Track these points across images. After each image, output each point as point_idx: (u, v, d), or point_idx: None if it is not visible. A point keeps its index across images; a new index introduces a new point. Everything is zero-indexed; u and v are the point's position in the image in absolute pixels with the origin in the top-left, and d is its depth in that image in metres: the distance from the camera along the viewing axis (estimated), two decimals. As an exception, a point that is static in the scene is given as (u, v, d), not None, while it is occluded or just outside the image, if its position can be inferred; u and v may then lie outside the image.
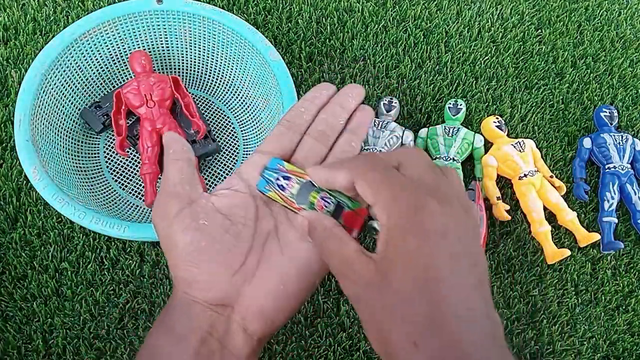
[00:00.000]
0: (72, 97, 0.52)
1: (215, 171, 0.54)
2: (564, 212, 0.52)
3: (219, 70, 0.56)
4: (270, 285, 0.30)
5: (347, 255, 0.28)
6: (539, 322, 0.50)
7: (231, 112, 0.56)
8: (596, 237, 0.51)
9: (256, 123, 0.55)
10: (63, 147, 0.50)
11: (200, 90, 0.57)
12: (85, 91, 0.53)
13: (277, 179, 0.32)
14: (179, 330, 0.29)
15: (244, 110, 0.56)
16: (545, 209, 0.53)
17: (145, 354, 0.29)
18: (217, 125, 0.56)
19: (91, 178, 0.51)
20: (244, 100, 0.56)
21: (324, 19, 0.61)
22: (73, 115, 0.52)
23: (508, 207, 0.53)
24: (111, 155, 0.54)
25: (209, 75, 0.57)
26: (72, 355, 0.45)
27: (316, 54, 0.59)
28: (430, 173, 0.28)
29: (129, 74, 0.56)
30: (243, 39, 0.52)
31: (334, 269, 0.29)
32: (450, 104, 0.57)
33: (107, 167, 0.53)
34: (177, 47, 0.55)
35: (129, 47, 0.54)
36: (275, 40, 0.60)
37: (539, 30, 0.64)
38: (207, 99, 0.57)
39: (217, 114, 0.57)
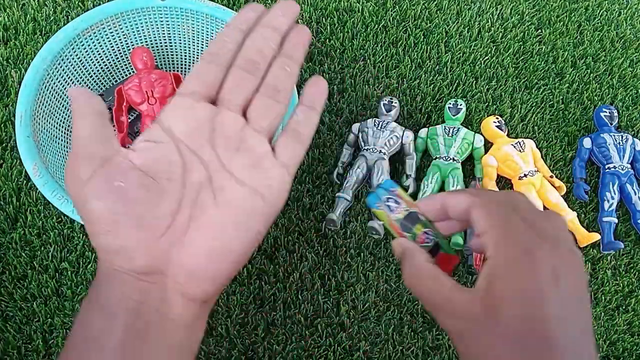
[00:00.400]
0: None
1: None
2: (564, 212, 0.52)
3: None
4: (204, 243, 0.28)
5: (444, 292, 0.28)
6: (539, 322, 0.50)
7: None
8: (596, 237, 0.51)
9: None
10: (65, 143, 0.50)
11: None
12: (87, 87, 0.53)
13: (389, 199, 0.32)
14: (108, 305, 0.27)
15: None
16: (545, 209, 0.53)
17: (76, 333, 0.27)
18: None
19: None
20: None
21: (324, 19, 0.61)
22: None
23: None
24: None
25: None
26: (72, 355, 0.45)
27: (316, 54, 0.59)
28: (540, 216, 0.29)
29: (132, 70, 0.56)
30: None
31: (429, 304, 0.29)
32: (450, 104, 0.57)
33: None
34: (180, 44, 0.55)
35: (131, 43, 0.54)
36: (275, 40, 0.60)
37: (539, 30, 0.64)
38: None
39: None
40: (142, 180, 0.27)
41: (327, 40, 0.60)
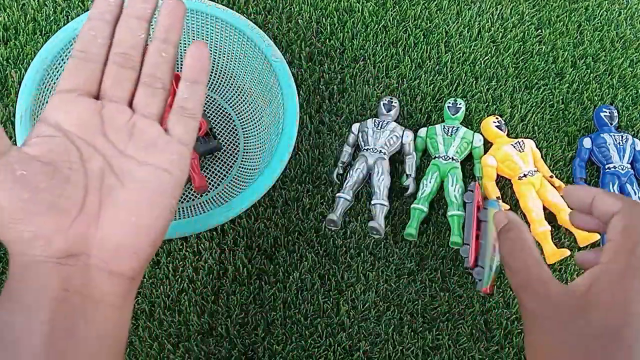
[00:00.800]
0: None
1: (215, 169, 0.54)
2: (564, 212, 0.52)
3: (221, 68, 0.56)
4: (120, 220, 0.28)
5: (543, 275, 0.28)
6: (539, 322, 0.50)
7: (233, 109, 0.57)
8: (596, 237, 0.51)
9: (257, 121, 0.55)
10: None
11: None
12: None
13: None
14: (26, 298, 0.26)
15: (246, 109, 0.56)
16: (545, 209, 0.53)
17: None
18: (219, 122, 0.56)
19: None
20: (245, 99, 0.56)
21: (324, 19, 0.61)
22: None
23: (508, 207, 0.53)
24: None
25: (212, 73, 0.57)
26: (72, 355, 0.45)
27: (316, 54, 0.59)
28: None
29: None
30: (245, 37, 0.52)
31: (522, 280, 0.29)
32: (449, 103, 0.57)
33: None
34: (180, 43, 0.55)
35: None
36: (275, 40, 0.60)
37: (539, 30, 0.64)
38: (209, 95, 0.57)
39: (218, 111, 0.57)
40: (43, 168, 0.27)
41: (327, 40, 0.60)
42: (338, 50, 0.60)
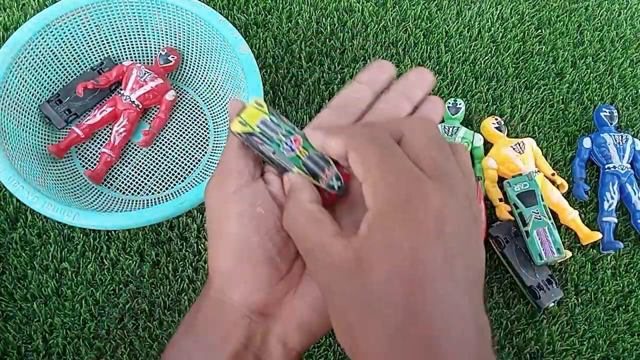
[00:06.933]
0: (46, 81, 0.53)
1: (184, 161, 0.54)
2: (566, 212, 0.52)
3: (193, 61, 0.57)
4: (313, 296, 0.26)
5: (323, 237, 0.24)
6: (539, 322, 0.50)
7: (205, 104, 0.57)
8: (598, 235, 0.52)
9: (226, 113, 0.55)
10: (31, 131, 0.51)
11: (177, 80, 0.58)
12: (59, 76, 0.54)
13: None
14: (212, 337, 0.25)
15: (218, 102, 0.56)
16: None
17: (172, 358, 0.26)
18: (190, 116, 0.56)
19: (59, 164, 0.52)
20: (217, 92, 0.56)
21: (324, 19, 0.61)
22: (44, 99, 0.53)
23: (510, 209, 0.53)
24: (82, 145, 0.54)
25: (184, 65, 0.57)
26: (72, 355, 0.45)
27: (316, 54, 0.59)
28: (436, 150, 0.24)
29: (103, 59, 0.56)
30: (215, 31, 0.51)
31: (304, 250, 0.25)
32: (449, 103, 0.57)
33: (77, 154, 0.54)
34: (153, 36, 0.56)
35: (104, 33, 0.54)
36: (275, 40, 0.60)
37: (539, 30, 0.64)
38: (181, 88, 0.57)
39: (190, 104, 0.57)
40: (278, 213, 0.26)
41: (327, 40, 0.60)
42: (338, 50, 0.60)
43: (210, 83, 0.56)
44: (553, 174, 0.54)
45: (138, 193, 0.52)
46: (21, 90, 0.50)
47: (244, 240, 0.25)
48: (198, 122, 0.56)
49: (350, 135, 0.25)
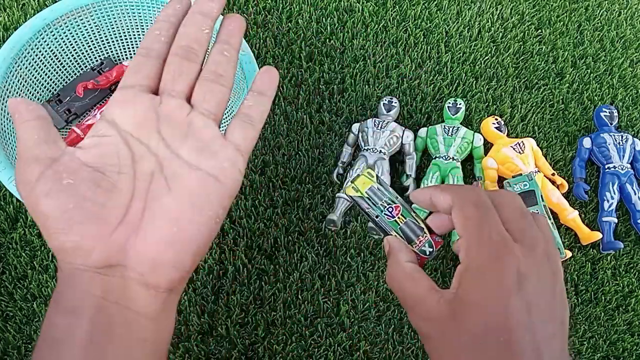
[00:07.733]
0: (46, 81, 0.53)
1: None
2: (566, 212, 0.52)
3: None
4: (160, 230, 0.28)
5: (420, 293, 0.28)
6: (539, 322, 0.50)
7: None
8: (598, 235, 0.52)
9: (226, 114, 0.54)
10: None
11: None
12: (59, 76, 0.54)
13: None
14: (70, 303, 0.27)
15: None
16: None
17: (42, 337, 0.27)
18: None
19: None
20: None
21: (324, 19, 0.61)
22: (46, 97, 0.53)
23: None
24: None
25: None
26: (72, 355, 0.45)
27: (316, 54, 0.59)
28: (522, 218, 0.28)
29: (103, 59, 0.56)
30: (214, 31, 0.51)
31: (406, 305, 0.29)
32: (449, 103, 0.57)
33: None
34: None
35: (104, 33, 0.54)
36: (275, 40, 0.60)
37: (539, 30, 0.64)
38: None
39: None
40: (91, 175, 0.28)
41: (327, 40, 0.60)
42: (338, 50, 0.60)
43: None
44: (553, 174, 0.54)
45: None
46: (21, 90, 0.50)
47: (60, 212, 0.26)
48: None
49: (457, 194, 0.29)
